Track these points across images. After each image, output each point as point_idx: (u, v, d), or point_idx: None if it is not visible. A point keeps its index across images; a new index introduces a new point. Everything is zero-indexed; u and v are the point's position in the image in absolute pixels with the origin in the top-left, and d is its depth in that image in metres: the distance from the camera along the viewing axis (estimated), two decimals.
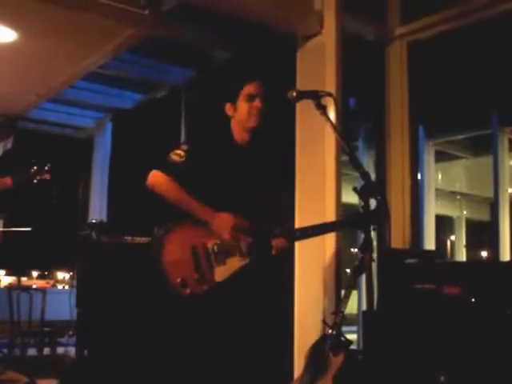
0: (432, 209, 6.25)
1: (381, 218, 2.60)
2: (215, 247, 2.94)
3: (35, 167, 3.68)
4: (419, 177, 5.38)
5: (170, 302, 2.96)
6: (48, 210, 5.73)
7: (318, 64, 4.35)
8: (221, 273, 2.98)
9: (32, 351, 6.21)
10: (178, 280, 2.89)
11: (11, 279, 7.65)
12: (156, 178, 3.01)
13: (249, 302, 3.13)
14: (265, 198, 3.19)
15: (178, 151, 3.03)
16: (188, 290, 2.89)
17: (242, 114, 3.11)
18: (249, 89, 3.11)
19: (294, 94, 2.81)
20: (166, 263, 2.91)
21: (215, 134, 3.22)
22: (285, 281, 4.47)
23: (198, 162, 3.02)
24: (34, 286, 7.07)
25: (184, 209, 2.97)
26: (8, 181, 3.60)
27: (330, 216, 4.14)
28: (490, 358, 3.03)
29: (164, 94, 6.92)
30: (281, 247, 3.05)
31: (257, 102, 3.08)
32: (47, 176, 3.68)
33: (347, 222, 3.44)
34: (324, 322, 3.50)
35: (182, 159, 3.00)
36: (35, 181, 3.67)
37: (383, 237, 4.32)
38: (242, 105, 3.10)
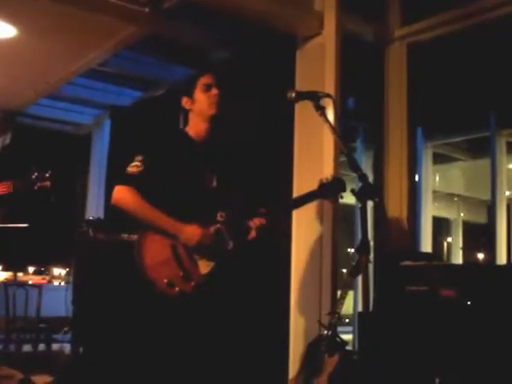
0: (429, 211, 6.27)
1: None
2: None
3: (36, 174, 3.67)
4: (417, 178, 5.39)
5: (162, 303, 2.97)
6: (45, 206, 5.74)
7: (318, 65, 4.35)
8: (205, 265, 2.98)
9: (27, 347, 6.20)
10: (165, 281, 2.90)
11: (7, 274, 7.63)
12: (120, 193, 3.03)
13: (239, 298, 3.16)
14: (230, 186, 3.22)
15: (134, 163, 3.05)
16: (176, 289, 2.90)
17: (201, 104, 3.18)
18: (204, 79, 3.19)
19: (293, 94, 2.83)
20: (149, 268, 2.92)
21: (169, 137, 3.26)
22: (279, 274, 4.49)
23: (156, 167, 3.05)
24: (30, 282, 7.06)
25: (150, 225, 2.99)
26: (9, 186, 3.60)
27: (328, 217, 4.15)
28: (484, 360, 3.04)
29: (163, 92, 6.92)
30: (260, 226, 3.05)
31: (213, 90, 3.16)
32: (47, 183, 3.68)
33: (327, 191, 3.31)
34: (320, 322, 3.51)
35: (140, 169, 3.03)
36: (35, 188, 3.66)
37: (380, 238, 4.34)
38: (200, 95, 3.18)
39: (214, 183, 3.17)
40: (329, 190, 3.28)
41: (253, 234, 3.04)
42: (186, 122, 3.27)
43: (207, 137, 3.21)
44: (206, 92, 3.16)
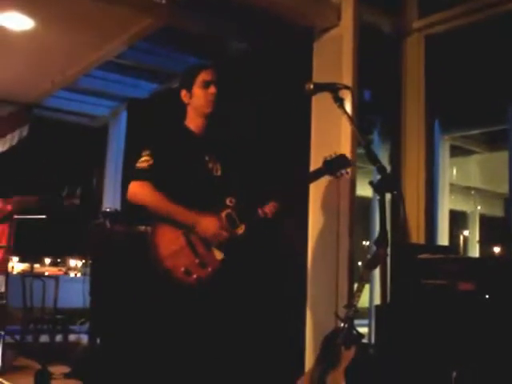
0: (446, 204, 6.22)
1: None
2: None
3: (66, 192, 3.72)
4: (434, 171, 5.35)
5: (180, 292, 2.98)
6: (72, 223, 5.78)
7: (335, 56, 4.33)
8: (220, 252, 3.00)
9: (44, 338, 6.25)
10: (182, 269, 2.91)
11: (24, 266, 7.68)
12: (135, 188, 3.05)
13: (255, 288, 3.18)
14: (236, 174, 3.27)
15: (143, 158, 3.07)
16: (194, 276, 2.91)
17: (198, 101, 3.19)
18: (204, 75, 3.18)
19: (312, 86, 2.82)
20: (164, 258, 2.93)
21: (169, 131, 3.27)
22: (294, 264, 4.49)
23: (161, 159, 3.07)
24: (47, 274, 7.09)
25: (167, 217, 3.00)
26: (32, 200, 3.66)
27: (345, 209, 4.13)
28: (502, 354, 3.02)
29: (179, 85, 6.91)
30: (273, 211, 3.07)
31: (212, 89, 3.16)
32: (77, 201, 3.72)
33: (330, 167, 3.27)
34: (336, 315, 3.51)
35: (150, 162, 3.05)
36: (64, 204, 3.72)
37: (398, 231, 4.31)
38: (198, 91, 3.18)
39: (219, 171, 3.20)
40: (333, 166, 3.26)
41: (268, 216, 3.06)
42: (184, 115, 3.28)
43: (205, 130, 3.23)
44: (205, 89, 3.17)
